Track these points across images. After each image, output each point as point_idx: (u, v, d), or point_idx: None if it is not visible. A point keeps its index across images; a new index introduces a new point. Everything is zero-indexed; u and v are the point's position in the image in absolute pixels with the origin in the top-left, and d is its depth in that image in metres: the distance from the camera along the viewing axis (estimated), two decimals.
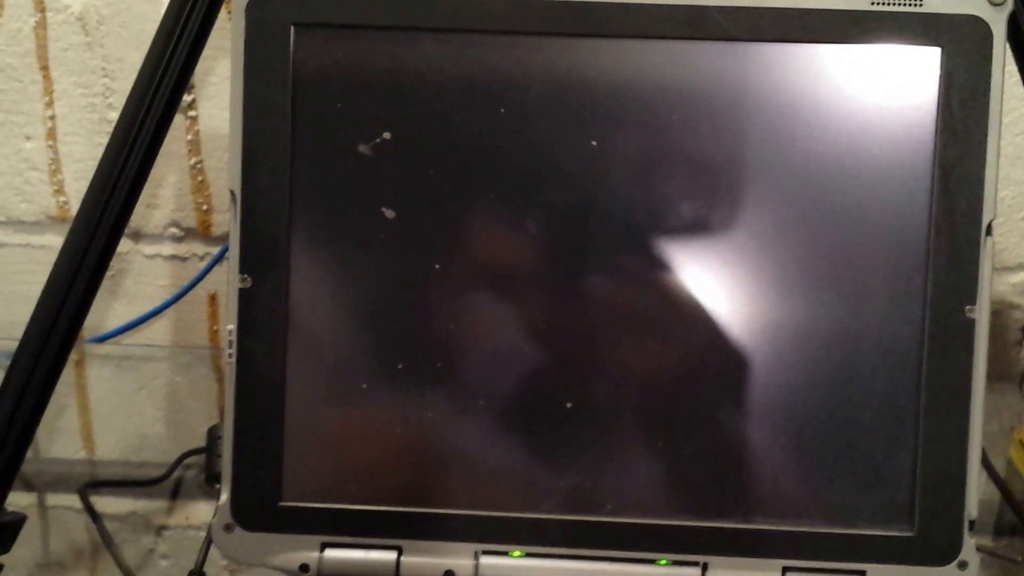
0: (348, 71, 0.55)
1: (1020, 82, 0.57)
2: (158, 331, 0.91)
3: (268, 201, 0.54)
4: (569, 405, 0.55)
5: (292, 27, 0.54)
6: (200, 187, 0.86)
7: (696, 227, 0.55)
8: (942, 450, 0.54)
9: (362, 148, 0.54)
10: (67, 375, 0.69)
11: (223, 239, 0.87)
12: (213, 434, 0.66)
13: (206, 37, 0.58)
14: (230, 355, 0.55)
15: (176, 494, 0.73)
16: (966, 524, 0.54)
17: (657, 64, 0.54)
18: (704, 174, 0.55)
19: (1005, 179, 0.53)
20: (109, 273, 0.60)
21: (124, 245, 0.87)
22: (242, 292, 0.54)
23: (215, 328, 0.90)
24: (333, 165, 0.55)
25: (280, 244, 0.54)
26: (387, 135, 0.54)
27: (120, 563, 0.61)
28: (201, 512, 0.71)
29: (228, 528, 0.55)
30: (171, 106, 0.58)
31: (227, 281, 0.54)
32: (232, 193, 0.54)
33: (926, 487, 0.54)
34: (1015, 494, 0.71)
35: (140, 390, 0.88)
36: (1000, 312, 0.53)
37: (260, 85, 0.54)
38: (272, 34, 0.54)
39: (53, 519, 0.70)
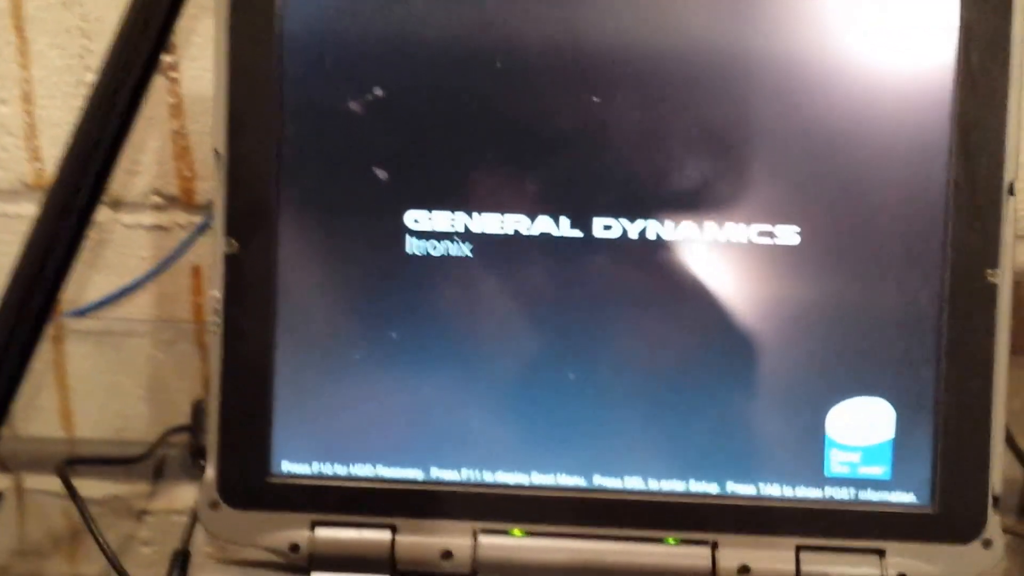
0: (338, 24, 0.52)
1: None
2: (139, 305, 0.88)
3: (255, 161, 0.52)
4: (572, 376, 0.53)
5: None
6: (183, 153, 0.84)
7: (703, 186, 0.52)
8: (964, 422, 0.52)
9: (353, 105, 0.52)
10: (44, 351, 0.68)
11: (207, 208, 0.85)
12: (198, 408, 0.64)
13: None
14: (216, 324, 0.53)
15: (159, 474, 0.71)
16: (990, 500, 0.52)
17: (662, 15, 0.52)
18: (711, 130, 0.52)
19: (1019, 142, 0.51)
20: (87, 244, 0.58)
21: (103, 214, 0.85)
22: (228, 257, 0.53)
23: (199, 302, 0.88)
24: (323, 123, 0.53)
25: (268, 206, 0.53)
26: (379, 91, 0.52)
27: (102, 546, 0.58)
28: (184, 496, 0.68)
29: (214, 506, 0.54)
30: (151, 67, 0.56)
31: (212, 246, 0.53)
32: (217, 153, 0.52)
33: (947, 461, 0.53)
34: None
35: (121, 367, 0.86)
36: (1019, 283, 0.51)
37: (245, 38, 0.52)
38: None
39: (30, 503, 0.69)
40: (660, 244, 0.53)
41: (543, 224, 0.53)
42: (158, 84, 0.80)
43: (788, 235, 0.52)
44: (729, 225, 0.52)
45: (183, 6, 0.56)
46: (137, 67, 0.55)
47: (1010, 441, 0.62)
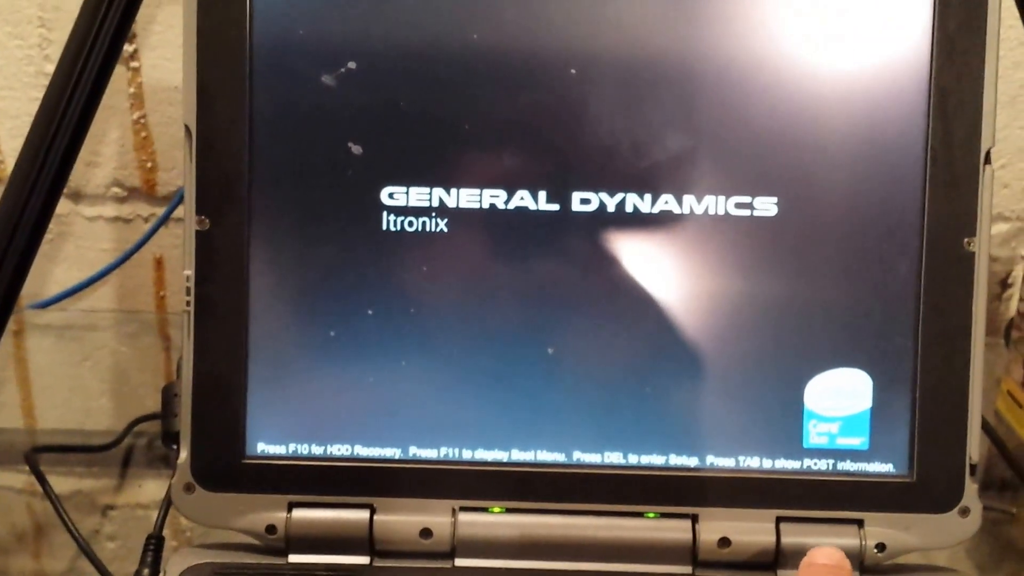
0: None
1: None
2: (101, 297, 0.88)
3: (226, 137, 0.52)
4: (551, 351, 0.53)
5: None
6: (144, 143, 0.83)
7: (681, 159, 0.52)
8: (941, 391, 0.52)
9: (325, 79, 0.52)
10: (5, 345, 0.68)
11: (169, 199, 0.84)
12: (169, 392, 0.63)
13: None
14: (188, 303, 0.52)
15: (126, 464, 0.71)
16: (968, 468, 0.52)
17: None
18: (688, 103, 0.52)
19: None
20: (48, 236, 0.58)
21: (64, 207, 0.84)
22: (199, 235, 0.52)
23: (162, 293, 0.88)
24: (295, 98, 0.52)
25: (239, 183, 0.52)
26: (352, 64, 0.52)
27: (74, 534, 0.58)
28: (151, 489, 0.68)
29: (188, 488, 0.53)
30: (111, 56, 0.55)
31: (176, 236, 0.51)
32: (187, 128, 0.51)
33: (925, 429, 0.52)
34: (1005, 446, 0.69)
35: (83, 361, 0.85)
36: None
37: (215, 10, 0.51)
38: None
39: None
40: (638, 218, 0.52)
41: (520, 199, 0.52)
42: (118, 74, 0.78)
43: (766, 206, 0.52)
44: (707, 198, 0.52)
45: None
46: (97, 57, 0.54)
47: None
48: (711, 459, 0.53)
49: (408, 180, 0.52)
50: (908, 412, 0.52)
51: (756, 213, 0.52)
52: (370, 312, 0.52)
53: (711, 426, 0.53)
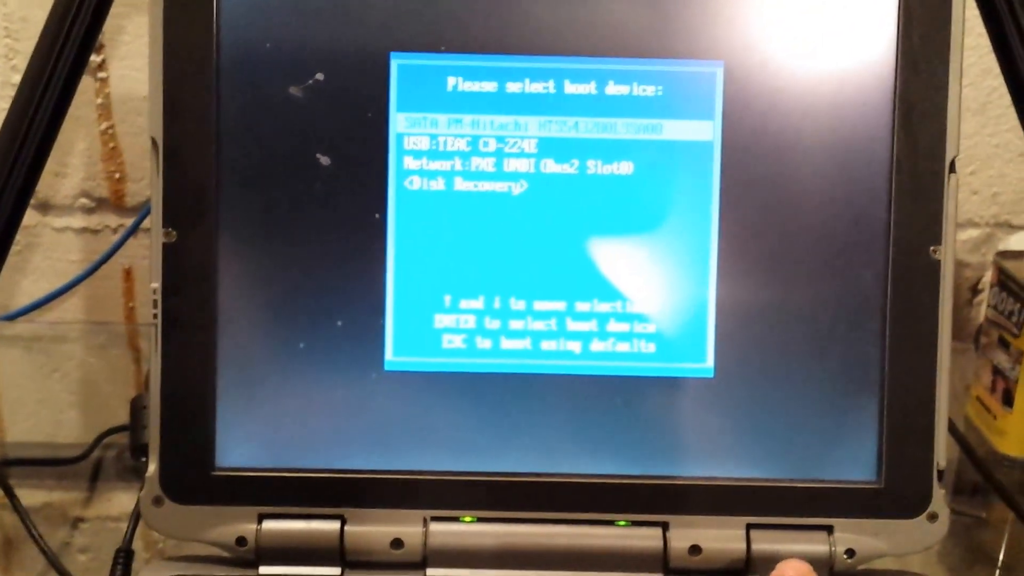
0: (277, 7, 0.51)
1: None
2: (70, 309, 0.87)
3: (193, 148, 0.51)
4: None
5: None
6: (112, 154, 0.83)
7: None
8: (908, 397, 0.52)
9: (293, 90, 0.52)
10: None
11: (137, 210, 0.84)
12: (137, 405, 0.63)
13: None
14: (155, 315, 0.52)
15: (95, 477, 0.70)
16: (935, 474, 0.53)
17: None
18: None
19: None
20: (15, 248, 0.57)
21: (31, 218, 0.84)
22: (166, 247, 0.51)
23: (131, 305, 0.87)
24: (263, 108, 0.52)
25: (207, 195, 0.52)
26: (320, 76, 0.52)
27: (43, 547, 0.57)
28: (121, 502, 0.68)
29: (157, 501, 0.52)
30: (78, 66, 0.54)
31: (145, 246, 0.51)
32: (153, 140, 0.51)
33: (893, 435, 0.53)
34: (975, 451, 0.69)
35: (52, 372, 0.85)
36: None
37: (181, 21, 0.51)
38: None
39: None
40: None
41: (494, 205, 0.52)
42: (86, 84, 0.79)
43: (734, 209, 0.52)
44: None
45: (111, 3, 0.54)
46: (64, 66, 0.54)
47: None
48: (680, 466, 0.53)
49: (375, 191, 0.52)
50: (876, 419, 0.53)
51: None
52: (339, 324, 0.52)
53: (678, 435, 0.53)
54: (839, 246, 0.52)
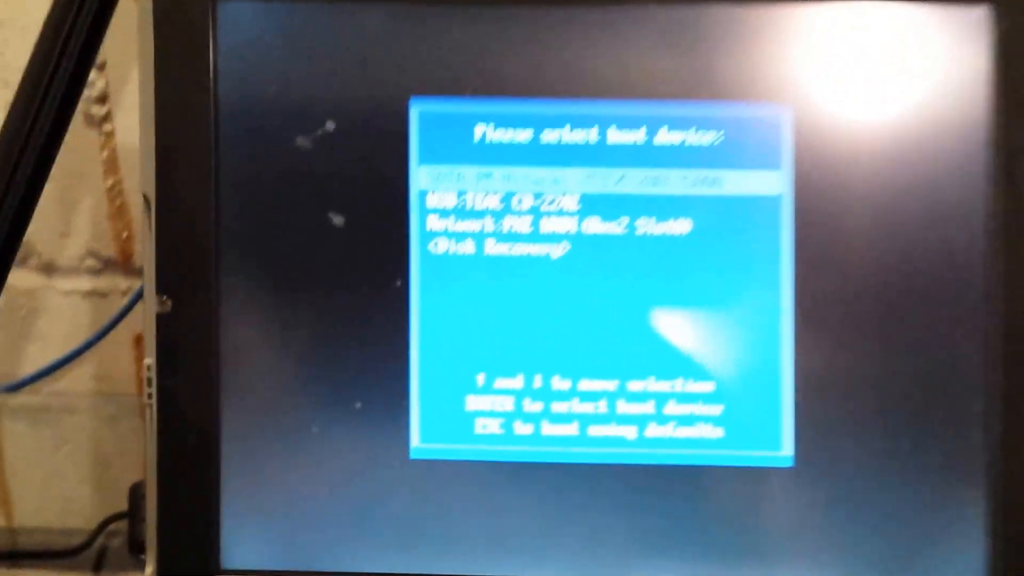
0: (281, 49, 0.49)
1: None
2: (78, 378, 0.85)
3: (190, 207, 0.50)
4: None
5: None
6: (119, 212, 0.80)
7: None
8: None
9: (301, 140, 0.49)
10: None
11: None
12: (136, 493, 0.61)
13: (105, 21, 0.52)
14: (150, 395, 0.50)
15: (98, 566, 0.69)
16: None
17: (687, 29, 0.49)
18: None
19: None
20: (20, 313, 0.55)
21: (36, 281, 0.82)
22: (161, 318, 0.50)
23: (142, 374, 0.84)
24: (267, 161, 0.49)
25: (206, 259, 0.49)
26: (330, 124, 0.49)
27: None
28: None
29: None
30: (67, 103, 0.52)
31: (143, 305, 0.51)
32: (145, 198, 0.50)
33: (1004, 537, 0.49)
34: None
35: (60, 445, 0.83)
36: None
37: (176, 68, 0.50)
38: (188, 8, 0.49)
39: None
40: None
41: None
42: (91, 138, 0.77)
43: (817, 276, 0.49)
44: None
45: (101, 37, 0.52)
46: (51, 107, 0.52)
47: None
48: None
49: (394, 254, 0.50)
50: (983, 516, 0.49)
51: None
52: (358, 405, 0.49)
53: (754, 534, 0.49)
54: (932, 314, 0.49)
